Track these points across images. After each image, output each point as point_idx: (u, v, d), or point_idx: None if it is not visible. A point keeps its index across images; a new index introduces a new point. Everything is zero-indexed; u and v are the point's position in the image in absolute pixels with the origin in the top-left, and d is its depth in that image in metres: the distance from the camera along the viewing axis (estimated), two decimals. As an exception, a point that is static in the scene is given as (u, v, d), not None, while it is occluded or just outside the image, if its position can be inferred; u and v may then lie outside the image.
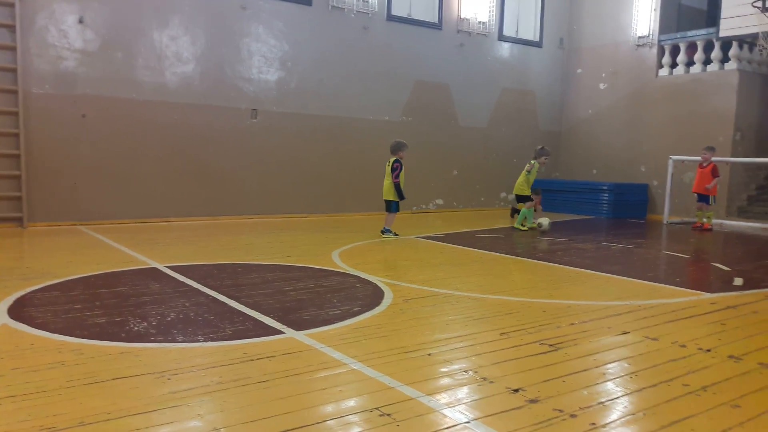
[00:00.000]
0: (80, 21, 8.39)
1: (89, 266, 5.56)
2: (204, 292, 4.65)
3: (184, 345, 3.40)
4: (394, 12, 11.20)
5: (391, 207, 8.29)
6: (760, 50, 10.31)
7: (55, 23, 8.25)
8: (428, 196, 12.05)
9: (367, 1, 10.81)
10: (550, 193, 12.91)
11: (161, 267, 5.62)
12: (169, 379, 2.89)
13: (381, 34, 11.07)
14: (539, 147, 9.75)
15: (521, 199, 9.51)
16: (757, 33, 9.96)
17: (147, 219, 9.01)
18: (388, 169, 8.33)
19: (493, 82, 12.72)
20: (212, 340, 3.49)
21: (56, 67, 8.30)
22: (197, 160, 9.41)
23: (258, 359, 3.18)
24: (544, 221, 9.22)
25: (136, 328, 3.68)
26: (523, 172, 9.51)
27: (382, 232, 8.25)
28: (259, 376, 2.95)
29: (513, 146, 13.16)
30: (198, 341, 3.46)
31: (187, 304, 4.27)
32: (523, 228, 9.33)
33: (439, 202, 12.23)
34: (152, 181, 9.07)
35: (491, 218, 11.24)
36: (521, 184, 9.51)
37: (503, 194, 13.13)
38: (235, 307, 4.25)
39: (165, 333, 3.61)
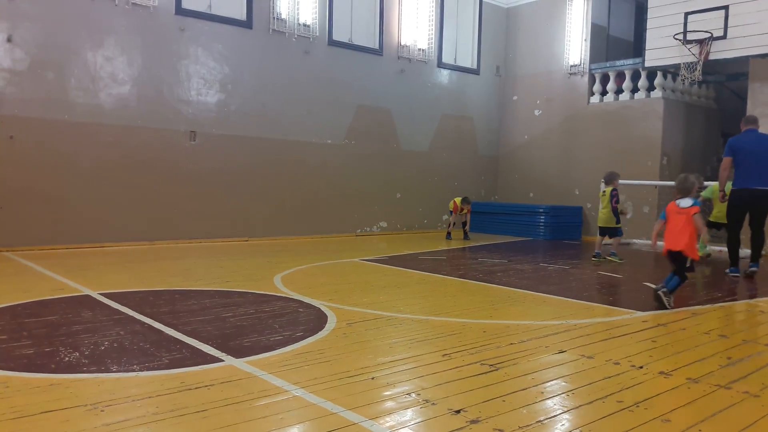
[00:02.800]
0: (9, 40, 8.09)
1: (16, 294, 5.30)
2: (139, 320, 4.50)
3: (118, 375, 3.28)
4: (335, 37, 11.32)
5: (617, 232, 8.89)
6: (683, 80, 10.94)
7: (-19, 41, 7.93)
8: (372, 218, 12.11)
9: (308, 26, 10.88)
10: (489, 215, 13.22)
11: (94, 294, 5.41)
12: (102, 411, 2.77)
13: (322, 58, 11.14)
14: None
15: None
16: (679, 63, 10.56)
17: (79, 244, 8.68)
18: (603, 198, 8.90)
19: (434, 108, 12.97)
20: (148, 369, 3.38)
21: (-18, 86, 7.96)
22: (133, 183, 9.16)
23: (196, 388, 3.10)
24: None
25: (66, 359, 3.52)
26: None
27: (611, 254, 8.80)
28: (197, 405, 2.87)
29: (454, 170, 13.44)
30: (133, 371, 3.34)
31: (121, 333, 4.12)
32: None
33: (383, 224, 12.30)
34: (85, 205, 8.75)
35: (434, 240, 11.38)
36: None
37: (445, 217, 13.32)
38: (172, 334, 4.13)
39: (98, 363, 3.46)
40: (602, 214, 8.92)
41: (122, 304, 5.00)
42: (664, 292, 5.50)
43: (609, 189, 8.88)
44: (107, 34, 8.86)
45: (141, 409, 2.80)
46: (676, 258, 5.59)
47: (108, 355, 3.62)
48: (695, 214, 5.54)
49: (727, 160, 7.45)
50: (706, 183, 11.20)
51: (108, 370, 3.35)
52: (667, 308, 5.43)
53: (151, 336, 4.08)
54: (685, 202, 5.68)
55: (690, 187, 5.80)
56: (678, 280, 5.58)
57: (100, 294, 5.42)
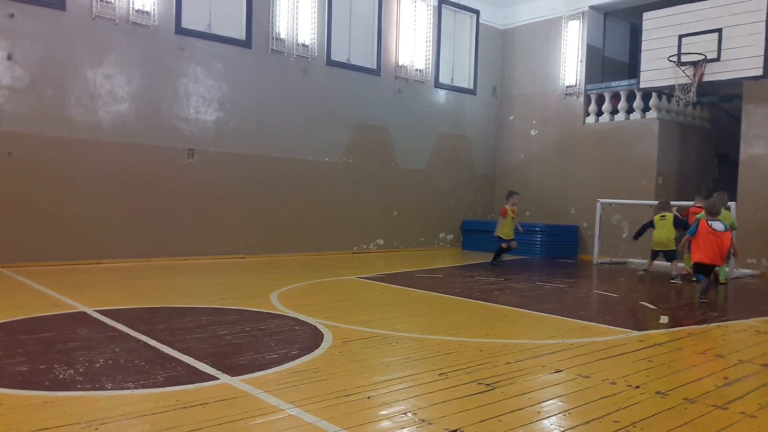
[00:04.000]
0: (9, 57, 8.15)
1: (11, 311, 5.27)
2: (135, 337, 4.49)
3: (113, 393, 3.26)
4: (334, 57, 11.41)
5: (675, 255, 9.10)
6: (677, 101, 11.05)
7: (-18, 59, 7.99)
8: (369, 236, 12.11)
9: (307, 46, 10.98)
10: (485, 233, 13.21)
11: (90, 311, 5.40)
12: (96, 429, 2.76)
13: (321, 78, 11.23)
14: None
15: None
16: (674, 85, 10.67)
17: (76, 261, 8.66)
18: (663, 222, 9.16)
19: (431, 127, 13.05)
20: (143, 387, 3.36)
21: (-19, 103, 8.00)
22: (131, 200, 9.16)
23: (191, 406, 3.08)
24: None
25: (61, 376, 3.50)
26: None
27: (673, 278, 8.89)
28: (192, 424, 2.85)
29: (450, 188, 13.48)
30: (128, 389, 3.33)
31: (117, 350, 4.11)
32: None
33: (380, 242, 12.30)
34: (82, 222, 8.75)
35: (431, 258, 11.38)
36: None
37: (442, 234, 13.35)
38: (168, 352, 4.12)
39: (93, 381, 3.45)
40: (659, 238, 9.19)
41: (118, 321, 4.98)
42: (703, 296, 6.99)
43: (670, 215, 9.20)
44: (107, 52, 8.93)
45: (136, 428, 2.79)
46: (710, 269, 7.12)
47: (103, 373, 3.60)
48: (732, 240, 7.18)
49: None
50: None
51: (103, 388, 3.33)
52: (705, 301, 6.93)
53: (147, 353, 4.07)
54: (718, 226, 7.09)
55: (719, 210, 7.34)
56: (710, 283, 7.13)
57: (96, 311, 5.40)
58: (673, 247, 9.10)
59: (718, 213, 7.26)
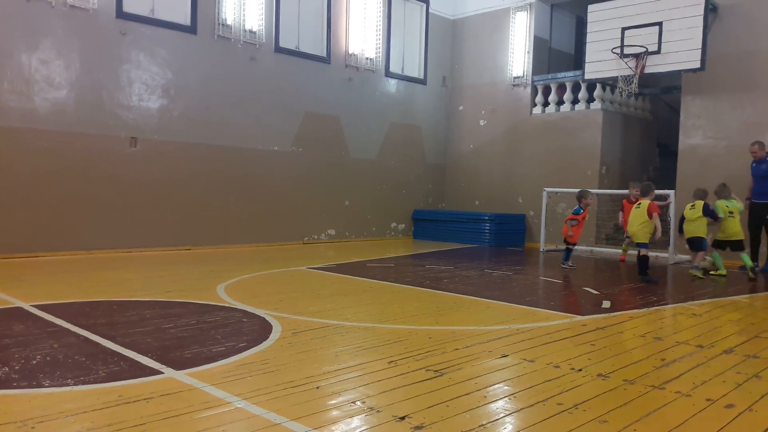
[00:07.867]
0: (-64, 40, 7.71)
1: (-60, 308, 5.02)
2: (75, 332, 4.34)
3: (51, 390, 3.14)
4: (282, 44, 11.24)
5: (702, 245, 8.64)
6: (620, 92, 11.35)
7: None
8: (320, 226, 12.05)
9: (255, 33, 10.78)
10: (436, 223, 13.37)
11: (26, 306, 5.19)
12: (32, 428, 2.66)
13: (269, 65, 11.05)
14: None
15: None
16: (617, 76, 10.96)
17: (11, 254, 8.30)
18: (692, 211, 8.65)
19: (382, 116, 13.04)
20: (83, 383, 3.26)
21: None
22: (70, 191, 8.83)
23: (134, 401, 3.00)
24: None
25: (-6, 375, 3.36)
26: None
27: (693, 267, 8.59)
28: (135, 419, 2.78)
29: (402, 178, 13.53)
30: (67, 385, 3.21)
31: (55, 346, 3.96)
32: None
33: (331, 232, 12.25)
34: (18, 213, 8.38)
35: (382, 247, 11.40)
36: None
37: (393, 224, 13.40)
38: (110, 347, 4.00)
39: (29, 378, 3.32)
40: (691, 227, 8.67)
41: (57, 316, 4.80)
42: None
43: (700, 203, 8.62)
44: (43, 36, 8.54)
45: (75, 425, 2.70)
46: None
47: (40, 370, 3.47)
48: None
49: None
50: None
51: (40, 385, 3.21)
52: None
53: (87, 348, 3.94)
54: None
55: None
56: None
57: (33, 306, 5.20)
58: (704, 235, 8.61)
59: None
